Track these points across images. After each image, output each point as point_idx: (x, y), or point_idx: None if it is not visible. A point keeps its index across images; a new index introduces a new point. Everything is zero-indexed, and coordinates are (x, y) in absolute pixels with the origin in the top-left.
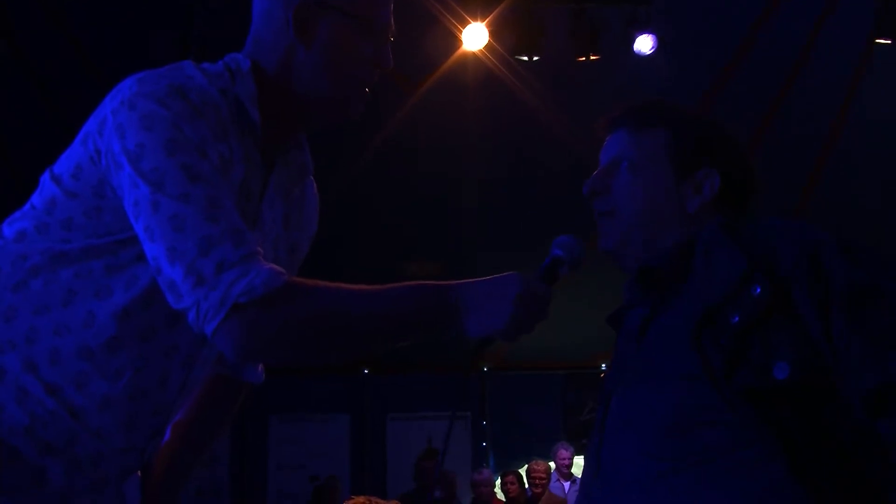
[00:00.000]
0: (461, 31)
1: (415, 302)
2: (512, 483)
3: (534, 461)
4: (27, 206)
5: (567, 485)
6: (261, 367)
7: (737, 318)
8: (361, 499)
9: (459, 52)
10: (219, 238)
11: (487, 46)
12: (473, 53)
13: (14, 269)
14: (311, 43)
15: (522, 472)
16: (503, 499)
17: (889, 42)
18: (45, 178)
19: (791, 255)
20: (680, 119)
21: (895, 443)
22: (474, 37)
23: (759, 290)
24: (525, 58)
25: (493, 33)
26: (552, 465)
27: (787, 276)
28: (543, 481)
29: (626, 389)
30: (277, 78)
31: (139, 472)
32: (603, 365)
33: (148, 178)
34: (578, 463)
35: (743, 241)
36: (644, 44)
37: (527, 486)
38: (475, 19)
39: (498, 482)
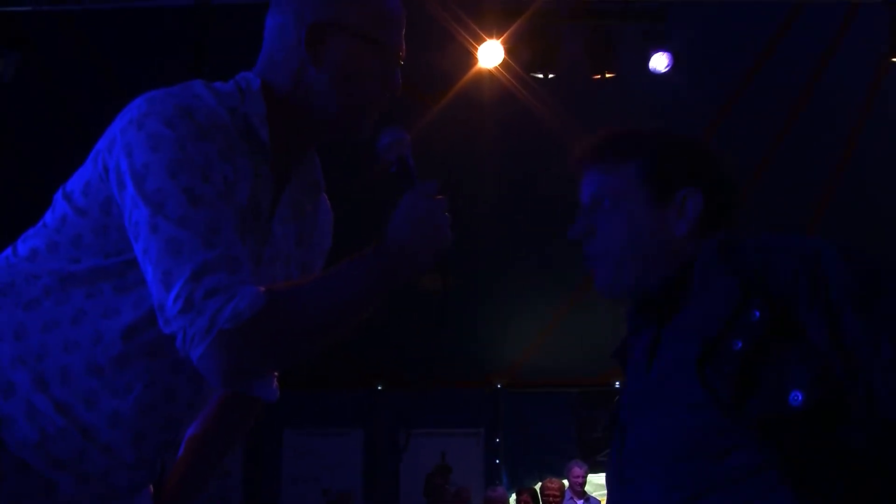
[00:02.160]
0: (477, 49)
1: (370, 272)
2: (526, 500)
3: (548, 479)
4: (40, 223)
5: (581, 503)
6: (275, 384)
7: (739, 345)
8: None
9: (475, 69)
10: (214, 264)
11: (503, 64)
12: (489, 70)
13: (27, 287)
14: (323, 63)
15: (536, 488)
16: None
17: None
18: (58, 196)
19: (789, 271)
20: (651, 145)
21: None
22: (490, 54)
23: (757, 315)
24: (540, 75)
25: (508, 50)
26: (566, 482)
27: (787, 293)
28: (557, 499)
29: (640, 420)
30: (288, 96)
31: (151, 487)
32: (617, 383)
33: (149, 199)
34: (592, 481)
35: (738, 264)
36: (660, 62)
37: (541, 503)
38: (491, 36)
39: (512, 499)
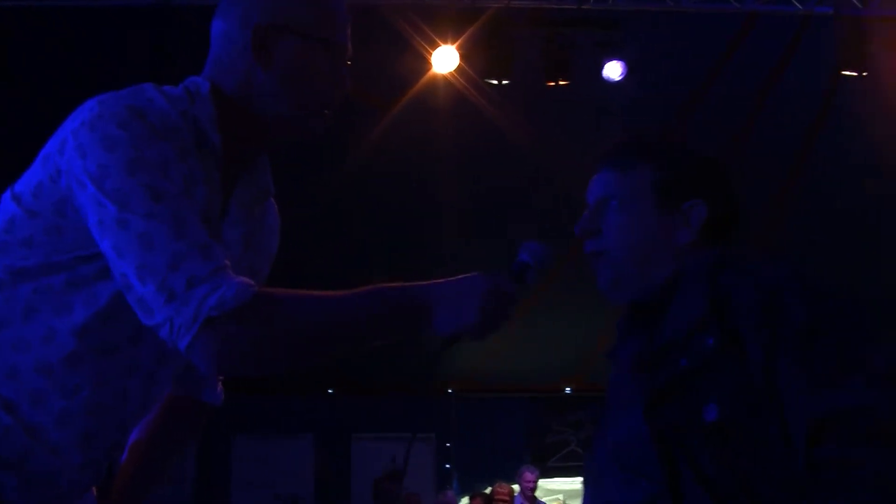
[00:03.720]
0: (431, 54)
1: (384, 304)
2: None
3: (498, 484)
4: None
5: None
6: (220, 388)
7: (685, 363)
8: None
9: (430, 74)
10: (187, 254)
11: (458, 69)
12: (444, 76)
13: None
14: (270, 65)
15: (487, 493)
16: None
17: (854, 74)
18: (6, 197)
19: (747, 301)
20: (663, 153)
21: (830, 465)
22: (444, 59)
23: (710, 343)
24: (495, 81)
25: (463, 56)
26: (516, 487)
27: (740, 321)
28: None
29: (614, 421)
30: (237, 99)
31: (94, 491)
32: (568, 389)
33: (112, 198)
34: (543, 486)
35: (715, 286)
36: (613, 70)
37: None
38: (445, 42)
39: None
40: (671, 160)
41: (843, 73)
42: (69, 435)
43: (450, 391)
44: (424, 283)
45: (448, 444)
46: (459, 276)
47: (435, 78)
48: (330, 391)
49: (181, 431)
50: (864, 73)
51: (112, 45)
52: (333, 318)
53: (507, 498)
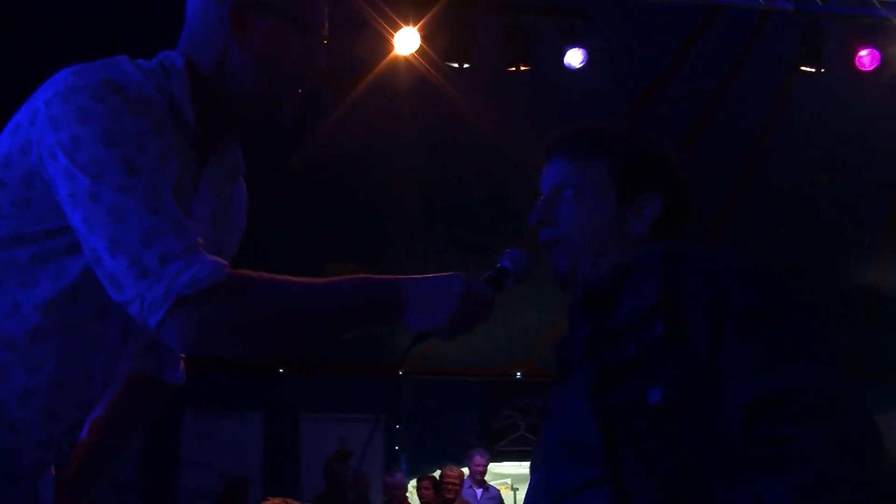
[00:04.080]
0: (393, 35)
1: (359, 295)
2: (426, 488)
3: (447, 467)
4: None
5: (479, 492)
6: (182, 367)
7: (633, 350)
8: (278, 500)
9: (391, 55)
10: (160, 229)
11: (419, 51)
12: (405, 57)
13: None
14: (245, 42)
15: (436, 476)
16: (416, 503)
17: (812, 70)
18: None
19: (696, 287)
20: (620, 146)
21: (764, 443)
22: (406, 41)
23: (658, 331)
24: (456, 64)
25: (425, 38)
26: (466, 471)
27: (689, 305)
28: (456, 487)
29: (559, 406)
30: (211, 76)
31: (53, 469)
32: (518, 374)
33: (86, 170)
34: (492, 470)
35: (666, 275)
36: (574, 57)
37: (441, 490)
38: (407, 23)
39: (411, 486)
40: (627, 152)
41: (802, 68)
42: (30, 412)
43: (400, 373)
44: (403, 277)
45: (398, 426)
46: (439, 274)
47: (396, 59)
48: (280, 370)
49: (141, 410)
50: (822, 70)
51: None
52: (308, 305)
53: (456, 482)
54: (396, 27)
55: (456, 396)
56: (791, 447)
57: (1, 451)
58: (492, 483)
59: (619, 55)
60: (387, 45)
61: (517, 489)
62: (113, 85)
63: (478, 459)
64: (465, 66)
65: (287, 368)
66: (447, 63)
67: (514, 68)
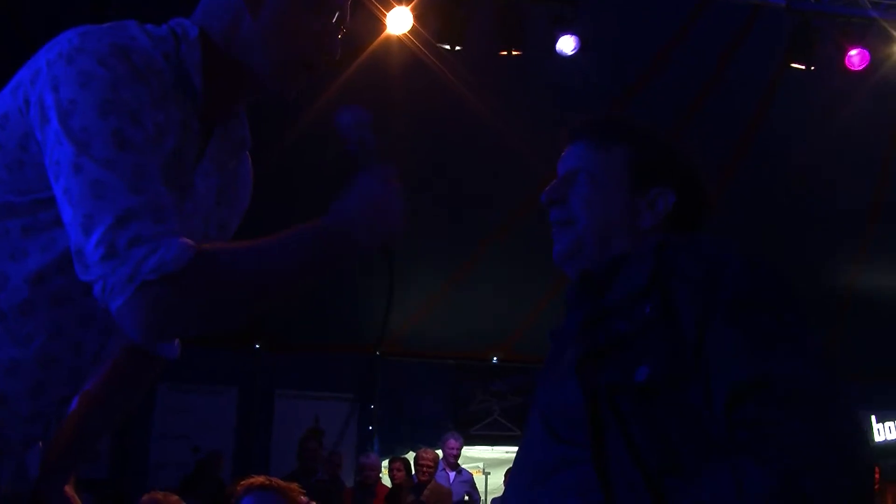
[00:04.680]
0: (385, 15)
1: (309, 241)
2: (399, 469)
3: (422, 449)
4: None
5: (452, 475)
6: (177, 342)
7: (622, 328)
8: (261, 479)
9: (384, 35)
10: (139, 211)
11: (412, 31)
12: (398, 37)
13: None
14: (259, 12)
15: (409, 458)
16: (388, 484)
17: (801, 67)
18: None
19: (687, 271)
20: (640, 137)
21: (746, 426)
22: (399, 20)
23: (648, 311)
24: (448, 46)
25: (417, 18)
26: (440, 453)
27: (679, 290)
28: (431, 469)
29: (543, 384)
30: (221, 46)
31: (40, 443)
32: (495, 358)
33: (74, 137)
34: (465, 454)
35: (659, 260)
36: (566, 44)
37: (413, 473)
38: (400, 3)
39: (384, 467)
40: (648, 144)
41: (791, 65)
42: (19, 385)
43: (377, 353)
44: (333, 211)
45: (371, 406)
46: (351, 189)
47: (389, 39)
48: (256, 346)
49: (134, 385)
50: (812, 68)
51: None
52: (267, 268)
53: (431, 464)
54: (389, 6)
55: (431, 378)
56: (774, 432)
57: None
58: (464, 467)
59: (609, 44)
60: (379, 25)
61: (489, 473)
62: (120, 50)
63: (452, 443)
64: (458, 48)
65: (263, 345)
66: (439, 44)
67: (505, 52)
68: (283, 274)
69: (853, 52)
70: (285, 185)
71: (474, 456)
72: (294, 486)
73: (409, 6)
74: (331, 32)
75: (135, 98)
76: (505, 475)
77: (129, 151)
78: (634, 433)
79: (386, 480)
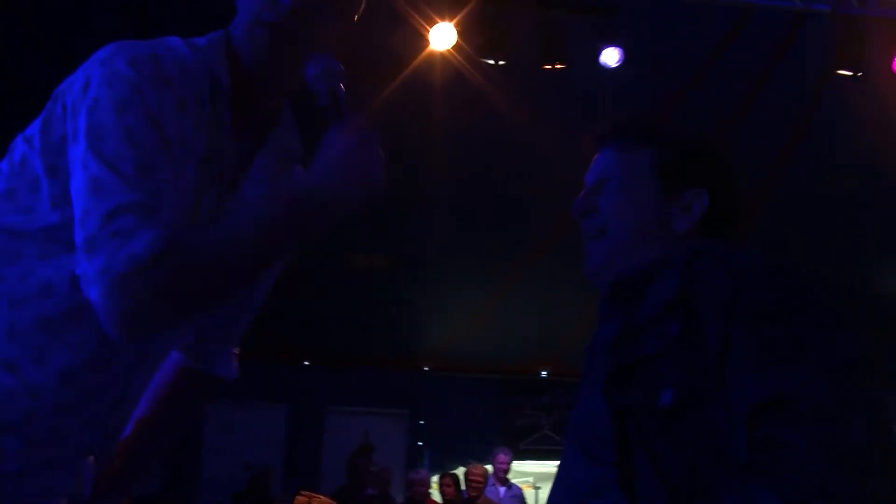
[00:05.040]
0: (429, 31)
1: (285, 214)
2: (448, 485)
3: (472, 464)
4: None
5: (503, 490)
6: (235, 362)
7: (650, 348)
8: (303, 499)
9: (427, 51)
10: (128, 207)
11: (455, 47)
12: (441, 53)
13: None
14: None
15: (458, 473)
16: (438, 500)
17: (849, 74)
18: (17, 140)
19: (713, 285)
20: (668, 138)
21: (761, 445)
22: (442, 37)
23: (675, 330)
24: (491, 61)
25: (460, 34)
26: (490, 468)
27: (705, 298)
28: (480, 485)
29: (578, 401)
30: (234, 42)
31: (92, 460)
32: (542, 372)
33: (88, 133)
34: (515, 468)
35: (690, 269)
36: (610, 56)
37: (463, 488)
38: (443, 19)
39: (434, 482)
40: (675, 145)
41: (839, 72)
42: (72, 393)
43: (425, 368)
44: (302, 179)
45: (421, 422)
46: (321, 152)
47: (432, 55)
48: (306, 363)
49: (190, 406)
50: (860, 74)
51: (98, 15)
52: (240, 248)
53: (480, 479)
54: (432, 23)
55: (479, 393)
56: (784, 454)
57: (44, 435)
58: (514, 481)
59: (654, 54)
60: (422, 41)
61: (539, 488)
62: (151, 55)
63: (501, 457)
64: (501, 62)
65: (313, 361)
66: (482, 59)
67: (549, 66)
68: (261, 248)
69: None
70: None
71: (524, 470)
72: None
73: (453, 22)
74: (343, 15)
75: (157, 100)
76: None
77: (137, 149)
78: (662, 457)
79: (436, 496)
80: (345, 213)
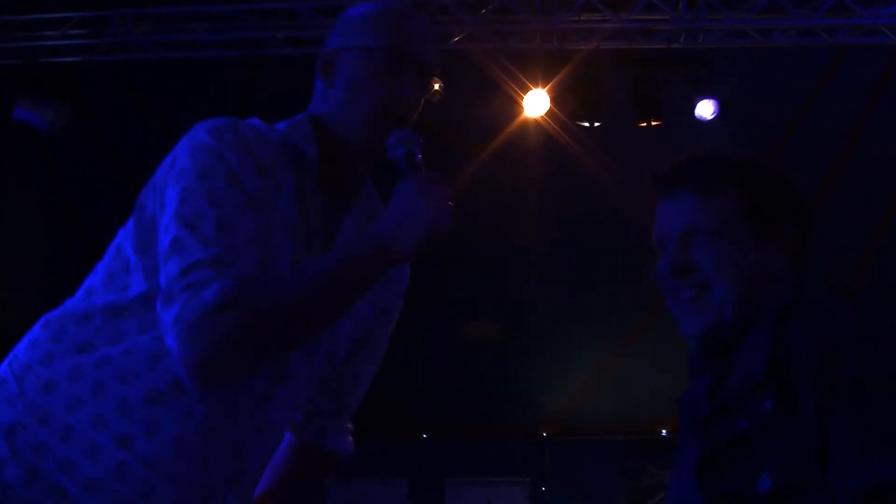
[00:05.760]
0: (522, 98)
1: (350, 260)
2: None
3: None
4: (98, 264)
5: None
6: (349, 437)
7: (742, 426)
8: None
9: (521, 118)
10: (203, 262)
11: (548, 112)
12: (535, 120)
13: (78, 330)
14: (333, 81)
15: None
16: None
17: None
18: (119, 231)
19: (806, 356)
20: (749, 175)
21: None
22: (535, 103)
23: (768, 406)
24: (586, 124)
25: (553, 99)
26: None
27: (798, 379)
28: None
29: (675, 473)
30: (322, 121)
31: None
32: (664, 431)
33: (174, 199)
34: None
35: (780, 333)
36: (706, 109)
37: None
38: (536, 85)
39: None
40: (760, 180)
41: None
42: (186, 462)
43: (544, 434)
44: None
45: (543, 489)
46: (390, 202)
47: (526, 122)
48: (424, 436)
49: (306, 484)
50: None
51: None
52: (308, 292)
53: None
54: (526, 90)
55: (601, 456)
56: None
57: None
58: None
59: (749, 103)
60: (516, 108)
61: None
62: (232, 124)
63: None
64: (595, 124)
65: (430, 434)
66: (576, 123)
67: (644, 123)
68: (325, 295)
69: None
70: (424, 261)
71: None
72: None
73: (546, 88)
74: (406, 77)
75: (238, 163)
76: None
77: (217, 208)
78: None
79: None
80: (407, 252)
